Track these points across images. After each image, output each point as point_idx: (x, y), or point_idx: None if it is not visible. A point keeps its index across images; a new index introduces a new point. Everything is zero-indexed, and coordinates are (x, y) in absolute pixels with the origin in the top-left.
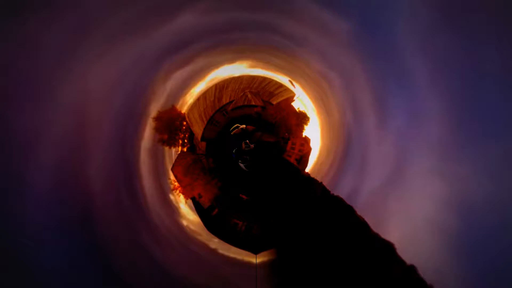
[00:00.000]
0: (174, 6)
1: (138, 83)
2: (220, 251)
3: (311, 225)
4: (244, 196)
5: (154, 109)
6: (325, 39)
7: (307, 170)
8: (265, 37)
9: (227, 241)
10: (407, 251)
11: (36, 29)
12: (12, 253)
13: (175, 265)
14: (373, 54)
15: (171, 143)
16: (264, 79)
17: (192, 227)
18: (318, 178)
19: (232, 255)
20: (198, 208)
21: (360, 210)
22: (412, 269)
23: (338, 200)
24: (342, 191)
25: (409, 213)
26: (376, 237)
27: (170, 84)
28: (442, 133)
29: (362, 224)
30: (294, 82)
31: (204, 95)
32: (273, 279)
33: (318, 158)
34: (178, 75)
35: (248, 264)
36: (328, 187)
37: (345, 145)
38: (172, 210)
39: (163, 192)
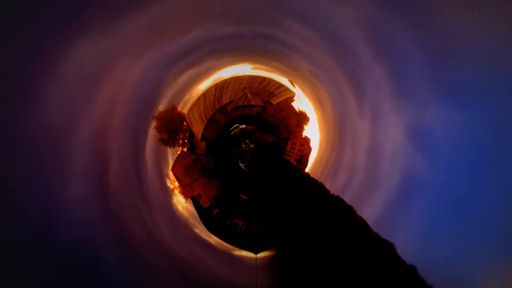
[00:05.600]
0: (185, 28)
1: (156, 78)
2: (202, 236)
3: (311, 225)
4: (244, 196)
5: (165, 100)
6: (310, 46)
7: (307, 168)
8: (264, 44)
9: (227, 241)
10: (400, 154)
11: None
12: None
13: (164, 239)
14: (339, 51)
15: (171, 143)
16: (264, 79)
17: (182, 210)
18: (321, 165)
19: (208, 239)
20: (198, 208)
21: (362, 160)
22: (412, 268)
23: (338, 200)
24: (344, 160)
25: (391, 139)
26: (376, 237)
27: (180, 81)
28: (391, 87)
29: (362, 224)
30: (294, 83)
31: (204, 95)
32: (274, 279)
33: (319, 151)
34: (187, 74)
35: (226, 252)
36: (332, 165)
37: (340, 131)
38: (168, 194)
39: (161, 176)
